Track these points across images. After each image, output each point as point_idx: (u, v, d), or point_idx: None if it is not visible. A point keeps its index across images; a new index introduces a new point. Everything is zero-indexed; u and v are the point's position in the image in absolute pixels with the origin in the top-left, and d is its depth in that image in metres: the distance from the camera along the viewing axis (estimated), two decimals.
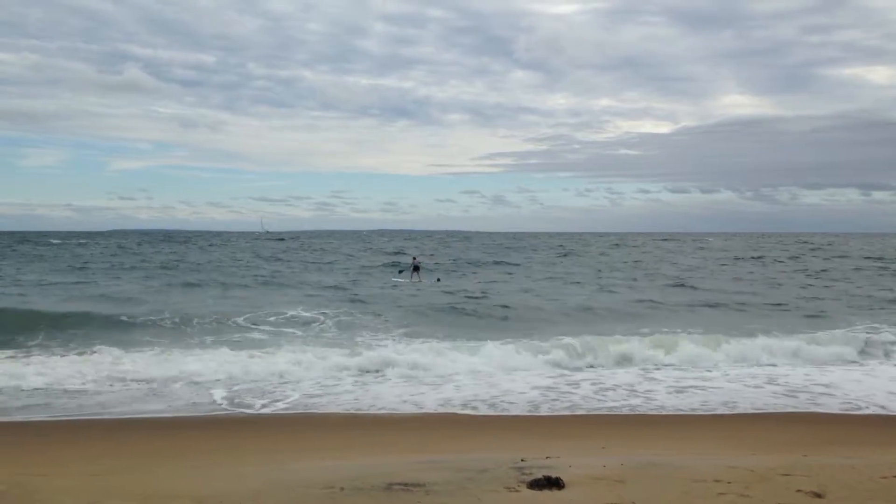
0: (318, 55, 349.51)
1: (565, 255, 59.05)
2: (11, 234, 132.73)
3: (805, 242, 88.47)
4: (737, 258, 54.56)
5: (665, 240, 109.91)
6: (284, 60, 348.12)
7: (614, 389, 12.21)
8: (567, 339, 15.70)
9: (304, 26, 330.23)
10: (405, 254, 53.98)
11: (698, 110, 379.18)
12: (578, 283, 33.34)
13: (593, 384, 12.60)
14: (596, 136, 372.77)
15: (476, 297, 25.56)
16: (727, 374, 13.60)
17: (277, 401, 11.19)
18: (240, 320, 19.39)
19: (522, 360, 14.47)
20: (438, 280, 35.04)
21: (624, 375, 13.46)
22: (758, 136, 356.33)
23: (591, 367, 14.41)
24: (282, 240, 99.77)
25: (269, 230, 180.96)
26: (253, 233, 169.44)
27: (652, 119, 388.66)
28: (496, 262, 47.93)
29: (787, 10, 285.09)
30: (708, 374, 13.69)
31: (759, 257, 54.96)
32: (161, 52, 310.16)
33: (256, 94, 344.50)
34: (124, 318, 18.92)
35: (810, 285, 32.24)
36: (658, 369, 14.12)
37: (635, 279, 35.06)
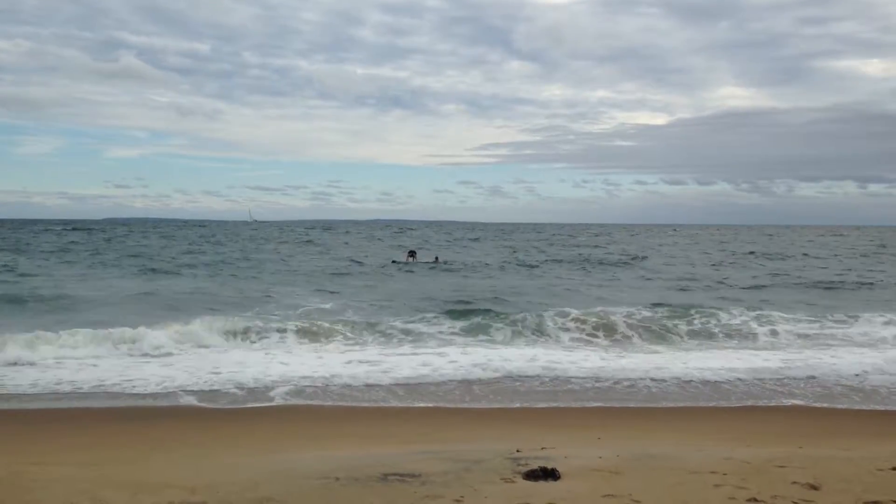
0: (313, 44, 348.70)
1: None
2: (11, 221, 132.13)
3: None
4: None
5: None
6: (280, 49, 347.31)
7: None
8: None
9: (299, 15, 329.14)
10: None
11: (694, 102, 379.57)
12: None
13: None
14: (591, 127, 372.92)
15: None
16: None
17: None
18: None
19: None
20: (436, 259, 35.17)
21: None
22: (754, 128, 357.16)
23: None
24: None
25: (257, 220, 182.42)
26: (243, 222, 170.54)
27: (648, 110, 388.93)
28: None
29: (782, 1, 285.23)
30: None
31: None
32: (155, 40, 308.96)
33: (252, 82, 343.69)
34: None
35: None
36: None
37: None
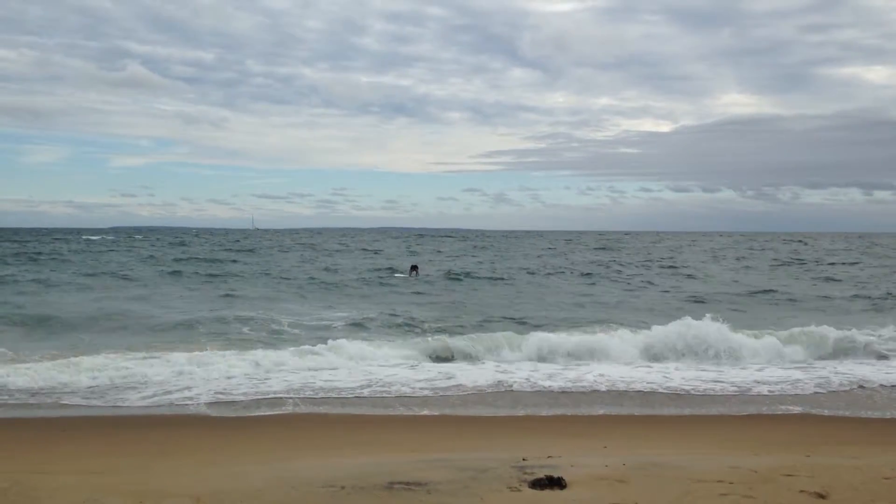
0: (317, 52, 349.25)
1: None
2: (15, 230, 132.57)
3: None
4: None
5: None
6: (283, 57, 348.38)
7: None
8: None
9: (303, 23, 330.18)
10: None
11: (698, 109, 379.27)
12: None
13: None
14: (595, 135, 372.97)
15: None
16: None
17: None
18: None
19: None
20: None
21: None
22: (758, 135, 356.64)
23: None
24: None
25: (259, 228, 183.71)
26: (244, 230, 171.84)
27: (651, 118, 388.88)
28: None
29: (785, 8, 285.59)
30: None
31: None
32: (159, 49, 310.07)
33: (256, 91, 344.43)
34: None
35: None
36: None
37: None
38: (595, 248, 69.77)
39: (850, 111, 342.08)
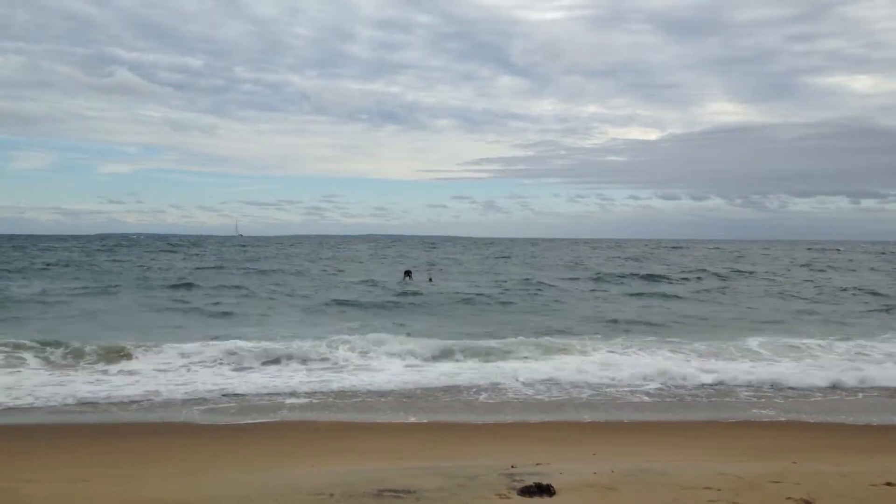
0: (305, 60, 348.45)
1: None
2: (14, 237, 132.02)
3: None
4: None
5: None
6: (272, 64, 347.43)
7: None
8: None
9: (291, 30, 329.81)
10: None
11: (685, 117, 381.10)
12: None
13: None
14: (583, 142, 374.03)
15: None
16: None
17: None
18: None
19: None
20: (430, 280, 35.07)
21: None
22: (745, 144, 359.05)
23: None
24: None
25: (243, 234, 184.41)
26: (229, 236, 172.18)
27: (639, 126, 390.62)
28: None
29: (771, 18, 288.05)
30: None
31: None
32: (146, 56, 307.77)
33: (244, 97, 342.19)
34: None
35: None
36: None
37: None
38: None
39: (836, 120, 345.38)
